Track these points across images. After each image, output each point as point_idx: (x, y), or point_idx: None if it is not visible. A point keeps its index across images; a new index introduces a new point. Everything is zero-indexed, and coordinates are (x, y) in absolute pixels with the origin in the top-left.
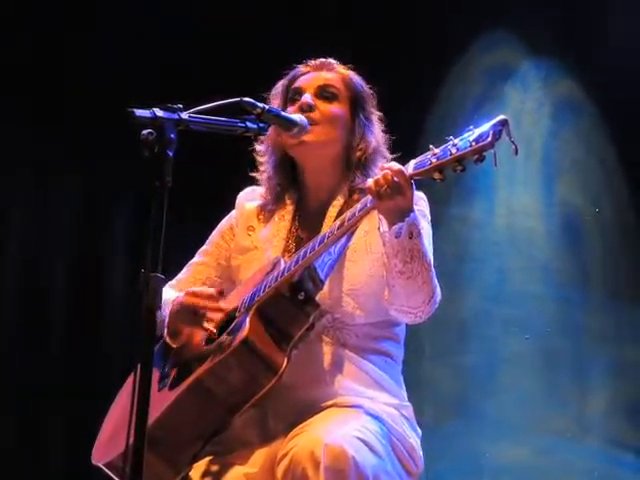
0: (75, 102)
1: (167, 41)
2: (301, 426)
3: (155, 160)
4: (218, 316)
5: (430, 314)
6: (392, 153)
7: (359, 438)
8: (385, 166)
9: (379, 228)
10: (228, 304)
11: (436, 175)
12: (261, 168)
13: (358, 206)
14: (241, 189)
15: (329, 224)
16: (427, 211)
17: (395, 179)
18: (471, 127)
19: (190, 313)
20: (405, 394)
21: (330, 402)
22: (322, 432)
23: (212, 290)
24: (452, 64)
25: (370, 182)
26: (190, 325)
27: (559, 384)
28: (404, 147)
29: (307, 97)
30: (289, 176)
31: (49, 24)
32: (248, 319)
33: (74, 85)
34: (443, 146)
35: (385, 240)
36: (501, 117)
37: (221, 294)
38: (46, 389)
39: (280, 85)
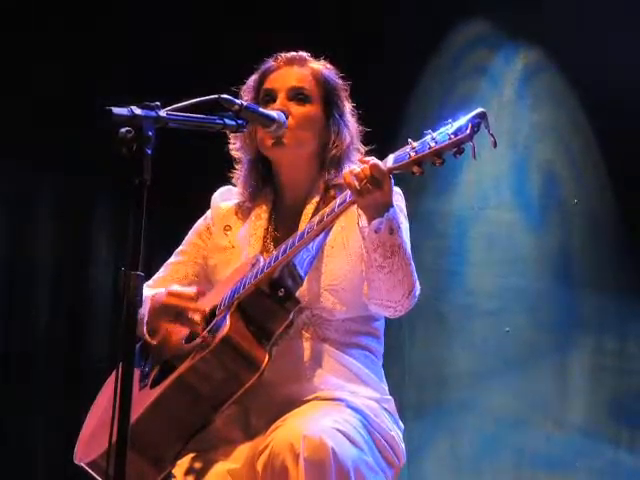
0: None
1: (148, 36)
2: (281, 419)
3: (134, 158)
4: (198, 316)
5: (410, 308)
6: (368, 145)
7: (338, 430)
8: (364, 160)
9: (358, 223)
10: (208, 303)
11: (415, 169)
12: (237, 165)
13: (337, 201)
14: (211, 187)
15: (306, 222)
16: (403, 206)
17: (374, 174)
18: (449, 120)
19: (171, 312)
20: (386, 388)
21: (311, 397)
22: (301, 424)
23: (192, 291)
24: (429, 55)
25: (348, 177)
26: (171, 323)
27: (540, 376)
28: (381, 139)
29: (280, 105)
30: (264, 174)
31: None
32: (228, 316)
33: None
34: (422, 140)
35: (365, 235)
36: (479, 110)
37: (202, 294)
38: (29, 386)
39: (251, 81)
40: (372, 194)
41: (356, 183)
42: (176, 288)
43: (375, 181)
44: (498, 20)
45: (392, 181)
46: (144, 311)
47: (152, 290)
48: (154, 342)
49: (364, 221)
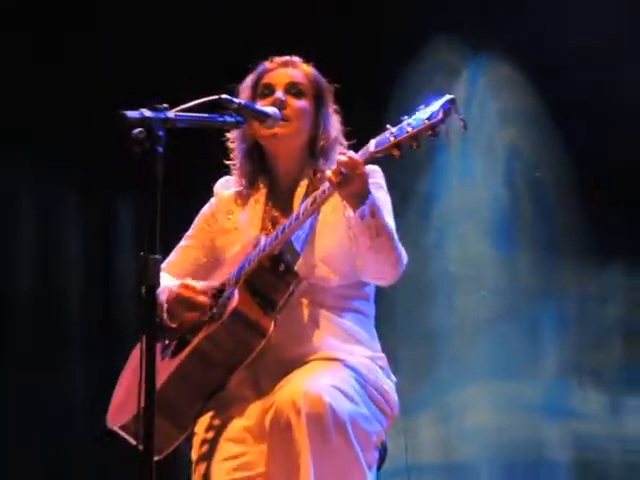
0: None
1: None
2: (285, 379)
3: (146, 156)
4: (207, 299)
5: (399, 276)
6: (348, 141)
7: (335, 387)
8: (342, 152)
9: (344, 214)
10: (218, 279)
11: (395, 152)
12: (233, 155)
13: (327, 185)
14: (213, 177)
15: (298, 202)
16: (383, 182)
17: (347, 168)
18: (422, 106)
19: (186, 303)
20: (379, 346)
21: (312, 357)
22: (302, 383)
23: (203, 285)
24: (404, 65)
25: (328, 173)
26: (187, 312)
27: (513, 333)
28: (360, 141)
29: (280, 94)
30: (259, 162)
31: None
32: (237, 291)
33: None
34: (399, 125)
35: (351, 223)
36: (449, 96)
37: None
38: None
39: (249, 80)
40: (349, 185)
41: (334, 178)
42: (189, 282)
43: (349, 175)
44: (464, 33)
45: (366, 170)
46: (163, 299)
47: (166, 275)
48: (174, 325)
49: (349, 211)
